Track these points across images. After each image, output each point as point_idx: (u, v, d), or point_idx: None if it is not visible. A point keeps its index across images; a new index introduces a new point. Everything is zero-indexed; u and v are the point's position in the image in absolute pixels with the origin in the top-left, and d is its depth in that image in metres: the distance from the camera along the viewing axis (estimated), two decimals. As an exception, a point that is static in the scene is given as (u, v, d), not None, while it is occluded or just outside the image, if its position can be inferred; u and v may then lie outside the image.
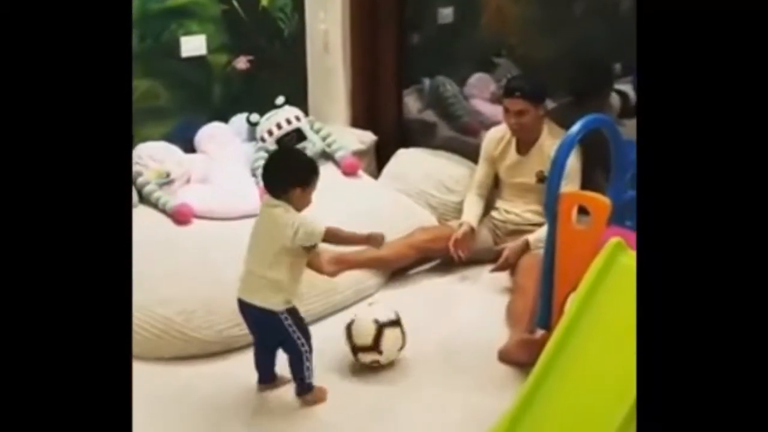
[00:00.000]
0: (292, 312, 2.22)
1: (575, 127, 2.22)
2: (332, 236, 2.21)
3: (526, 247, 2.86)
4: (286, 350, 2.26)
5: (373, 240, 2.31)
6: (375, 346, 2.39)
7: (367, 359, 2.42)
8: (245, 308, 2.24)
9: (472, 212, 3.09)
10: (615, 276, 2.03)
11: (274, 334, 2.24)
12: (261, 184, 3.25)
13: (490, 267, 2.97)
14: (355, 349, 2.42)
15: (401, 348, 2.45)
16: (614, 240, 2.05)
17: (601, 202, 2.15)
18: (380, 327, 2.39)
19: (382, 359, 2.42)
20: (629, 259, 2.05)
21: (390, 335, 2.41)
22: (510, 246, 2.89)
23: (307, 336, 2.24)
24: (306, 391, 2.27)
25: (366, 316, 2.44)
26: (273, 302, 2.18)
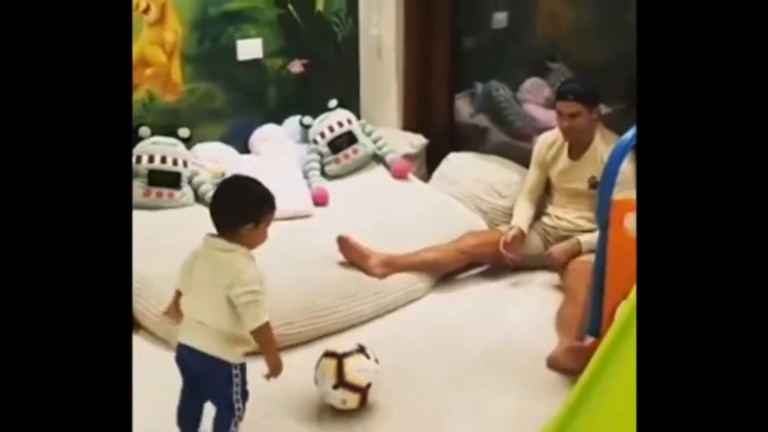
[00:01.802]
0: (243, 368, 1.96)
1: (628, 134, 2.20)
2: (261, 335, 1.90)
3: (577, 248, 2.84)
4: (218, 406, 1.98)
5: (274, 363, 1.94)
6: (341, 381, 2.18)
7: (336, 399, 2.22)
8: (186, 353, 1.96)
9: (522, 216, 3.08)
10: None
11: (216, 387, 1.96)
12: (313, 185, 3.34)
13: (540, 273, 2.96)
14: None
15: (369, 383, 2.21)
16: (667, 248, 2.03)
17: (654, 209, 2.12)
18: (339, 359, 2.20)
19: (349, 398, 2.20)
20: (682, 267, 2.03)
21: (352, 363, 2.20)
22: (559, 246, 2.88)
23: (245, 399, 1.97)
24: None
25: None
26: (230, 353, 1.92)
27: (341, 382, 2.18)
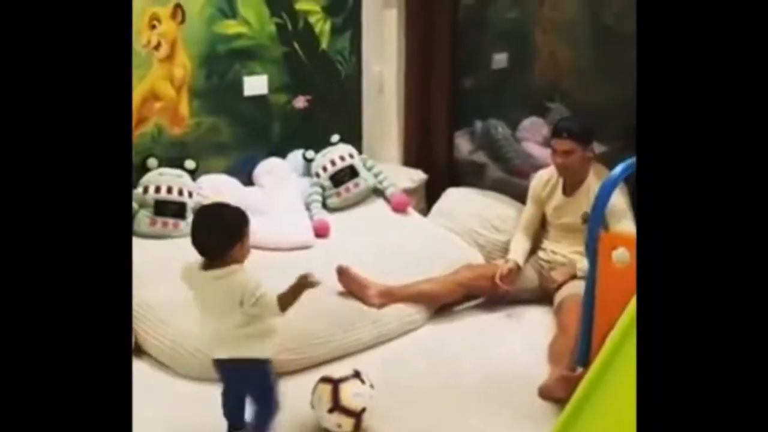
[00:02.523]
0: (272, 365, 2.13)
1: (617, 169, 2.28)
2: (284, 301, 2.05)
3: (573, 270, 2.94)
4: (258, 403, 2.14)
5: (304, 284, 2.11)
6: (336, 405, 2.25)
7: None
8: (223, 366, 2.13)
9: (518, 250, 3.15)
10: (653, 315, 2.07)
11: (254, 385, 2.13)
12: (314, 217, 3.42)
13: (534, 306, 3.03)
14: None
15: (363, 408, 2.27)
16: (653, 280, 2.10)
17: (640, 242, 2.19)
18: (335, 384, 2.27)
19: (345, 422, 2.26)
20: (668, 299, 2.10)
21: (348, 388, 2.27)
22: (559, 269, 3.00)
23: (278, 393, 2.14)
24: None
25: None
26: (262, 349, 2.09)
27: (336, 406, 2.25)
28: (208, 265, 2.05)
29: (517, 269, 3.09)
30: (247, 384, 2.15)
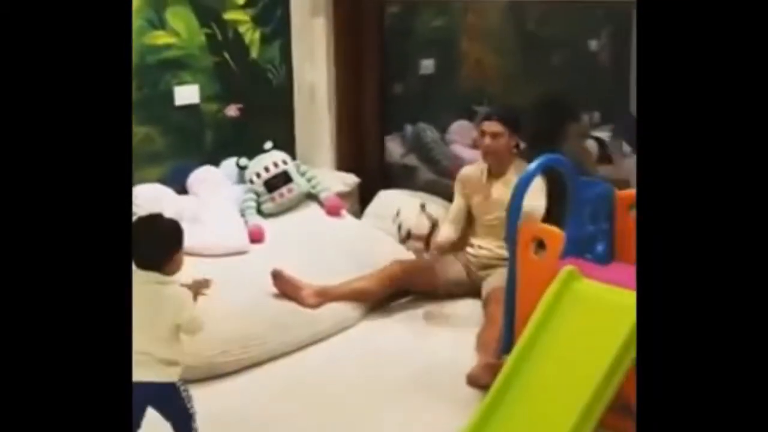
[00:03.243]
0: (185, 384, 2.12)
1: (533, 165, 2.43)
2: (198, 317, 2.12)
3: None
4: (175, 419, 2.12)
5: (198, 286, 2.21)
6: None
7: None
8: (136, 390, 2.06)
9: (447, 235, 3.23)
10: (568, 300, 2.21)
11: (168, 406, 2.10)
12: (249, 223, 3.48)
13: (462, 300, 3.17)
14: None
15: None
16: (567, 268, 2.24)
17: (555, 233, 2.34)
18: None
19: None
20: (582, 285, 2.25)
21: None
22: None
23: (191, 401, 2.13)
24: None
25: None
26: (170, 373, 2.07)
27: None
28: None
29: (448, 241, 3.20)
30: (160, 406, 2.10)
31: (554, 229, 2.39)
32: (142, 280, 2.05)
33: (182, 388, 2.09)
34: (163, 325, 2.04)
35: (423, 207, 3.19)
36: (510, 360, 2.17)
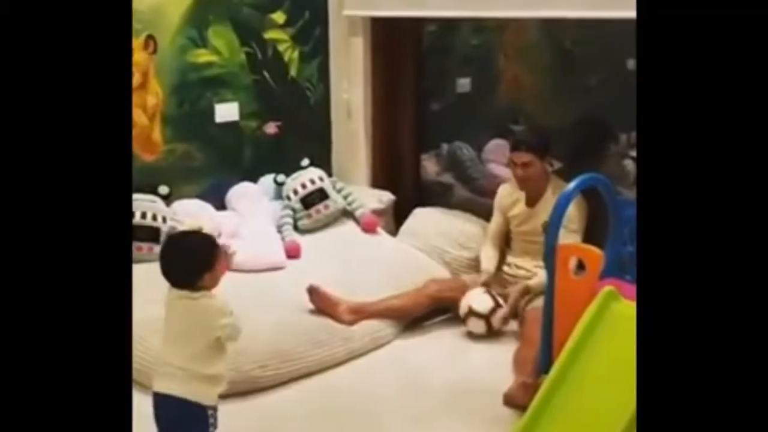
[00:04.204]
0: (215, 410, 2.05)
1: (572, 184, 2.42)
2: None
3: (526, 290, 3.05)
4: None
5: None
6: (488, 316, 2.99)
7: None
8: (164, 402, 2.02)
9: (490, 261, 3.27)
10: (607, 321, 2.19)
11: (190, 428, 2.04)
12: (286, 239, 3.51)
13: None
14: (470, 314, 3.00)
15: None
16: (606, 289, 2.22)
17: (594, 253, 2.32)
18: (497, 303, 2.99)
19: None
20: (621, 306, 2.22)
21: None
22: (512, 292, 3.09)
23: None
24: None
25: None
26: (206, 396, 2.02)
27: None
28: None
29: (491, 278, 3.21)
30: (182, 427, 2.04)
31: (593, 248, 2.37)
32: (173, 296, 2.04)
33: (211, 414, 2.03)
34: (201, 340, 2.00)
35: (487, 286, 3.15)
36: (547, 381, 2.15)
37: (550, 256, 2.39)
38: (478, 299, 3.05)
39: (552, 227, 2.38)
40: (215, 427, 2.06)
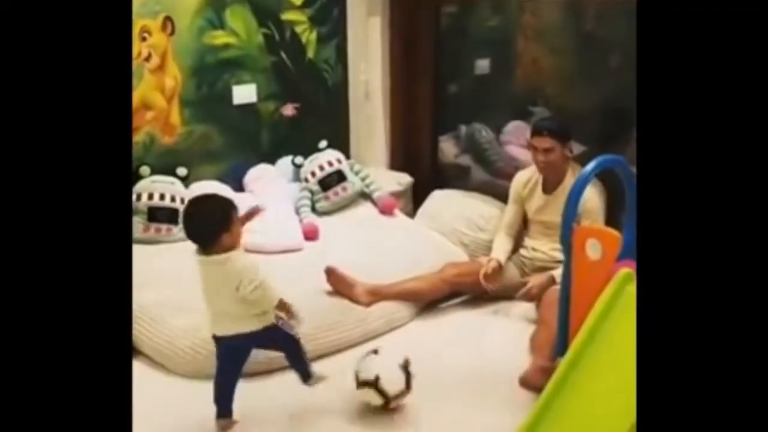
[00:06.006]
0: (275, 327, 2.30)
1: (589, 166, 2.39)
2: (280, 309, 2.28)
3: (551, 282, 3.01)
4: (284, 348, 2.40)
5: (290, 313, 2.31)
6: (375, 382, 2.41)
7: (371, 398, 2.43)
8: (227, 343, 2.28)
9: (500, 249, 3.26)
10: (624, 304, 2.17)
11: (274, 343, 2.38)
12: (304, 221, 3.52)
13: (517, 303, 3.13)
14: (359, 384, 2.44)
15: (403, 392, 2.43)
16: (624, 271, 2.19)
17: (611, 235, 2.30)
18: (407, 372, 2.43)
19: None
20: (638, 289, 2.20)
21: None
22: (535, 278, 3.05)
23: (293, 329, 2.36)
24: (310, 375, 2.46)
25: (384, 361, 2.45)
26: (263, 321, 2.26)
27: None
28: (204, 251, 2.17)
29: (499, 268, 3.19)
30: (266, 344, 2.36)
31: (610, 230, 2.35)
32: (201, 260, 2.18)
33: (280, 320, 2.27)
34: (231, 298, 2.17)
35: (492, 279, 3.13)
36: (563, 363, 2.14)
37: (566, 239, 2.37)
38: (388, 375, 2.43)
39: (569, 209, 2.36)
40: (292, 327, 2.34)
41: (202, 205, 2.25)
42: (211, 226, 2.14)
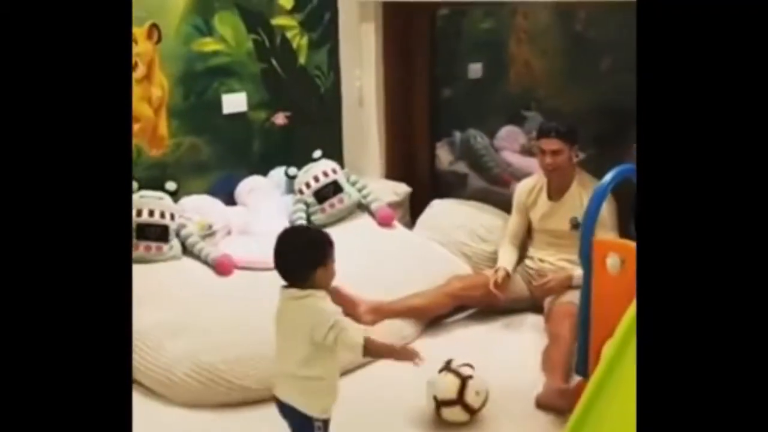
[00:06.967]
0: (326, 424, 2.02)
1: (607, 177, 2.30)
2: (370, 349, 2.01)
3: (569, 280, 2.91)
4: None
5: (405, 354, 2.09)
6: (459, 399, 2.40)
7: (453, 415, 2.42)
8: (281, 407, 2.06)
9: (506, 259, 3.15)
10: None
11: None
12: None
13: (525, 315, 3.03)
14: (440, 405, 2.43)
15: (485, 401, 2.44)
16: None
17: (631, 248, 2.20)
18: (463, 380, 2.42)
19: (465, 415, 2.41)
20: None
21: (472, 386, 2.42)
22: (554, 274, 2.95)
23: None
24: None
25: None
26: (312, 408, 2.00)
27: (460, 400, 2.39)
28: (288, 287, 2.01)
29: (508, 277, 3.09)
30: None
31: (630, 243, 2.25)
32: (285, 297, 2.00)
33: (318, 428, 1.98)
34: (302, 341, 1.94)
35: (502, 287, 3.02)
36: (589, 386, 2.03)
37: (585, 253, 2.28)
38: (440, 385, 2.46)
39: (588, 222, 2.26)
40: None
41: (298, 235, 2.13)
42: (307, 259, 1.97)
